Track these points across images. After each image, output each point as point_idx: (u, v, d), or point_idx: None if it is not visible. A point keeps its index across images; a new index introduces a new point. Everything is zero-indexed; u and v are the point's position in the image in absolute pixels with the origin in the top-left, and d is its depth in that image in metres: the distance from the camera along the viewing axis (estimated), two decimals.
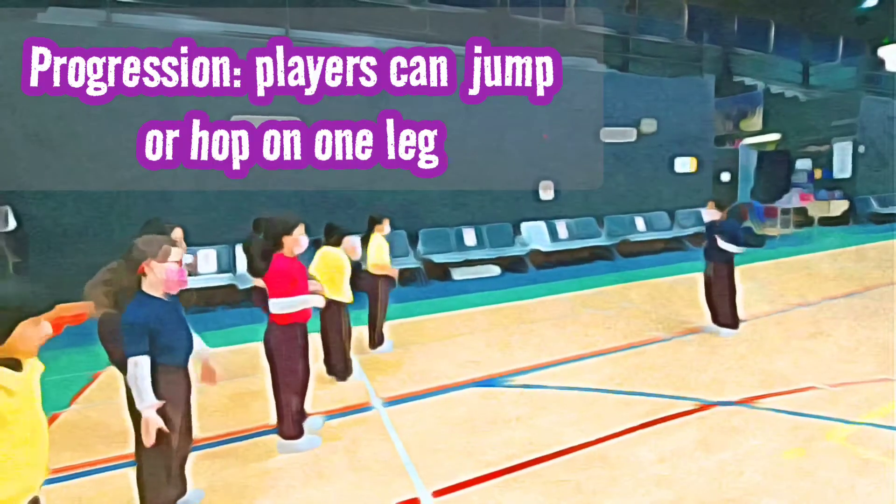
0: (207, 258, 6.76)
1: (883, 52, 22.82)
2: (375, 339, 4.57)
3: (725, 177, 11.95)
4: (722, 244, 4.50)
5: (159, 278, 2.08)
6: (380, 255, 4.46)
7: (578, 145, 9.57)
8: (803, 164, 15.05)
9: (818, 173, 14.65)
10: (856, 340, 4.41)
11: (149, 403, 1.99)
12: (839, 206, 13.27)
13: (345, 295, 3.80)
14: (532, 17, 14.51)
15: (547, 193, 9.34)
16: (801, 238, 10.90)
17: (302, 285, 2.84)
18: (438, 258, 7.85)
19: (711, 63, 17.49)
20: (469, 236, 8.41)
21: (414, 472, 2.63)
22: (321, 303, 2.94)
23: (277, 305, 2.75)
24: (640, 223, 10.09)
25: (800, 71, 19.06)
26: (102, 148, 6.41)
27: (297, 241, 2.80)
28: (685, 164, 10.86)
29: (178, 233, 2.99)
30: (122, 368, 2.11)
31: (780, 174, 15.05)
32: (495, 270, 8.18)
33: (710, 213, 4.64)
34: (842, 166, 13.96)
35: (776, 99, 15.75)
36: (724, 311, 4.62)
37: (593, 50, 14.30)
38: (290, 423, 2.83)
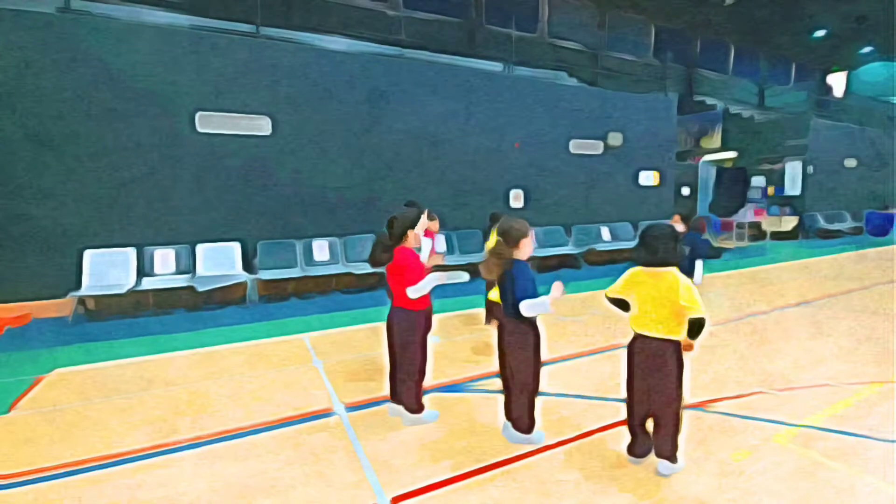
0: (165, 258, 6.50)
1: (831, 78, 24.50)
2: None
3: (686, 191, 12.46)
4: (697, 270, 4.66)
5: (528, 249, 2.84)
6: None
7: (549, 155, 9.78)
8: (758, 180, 15.89)
9: (771, 190, 15.49)
10: (804, 349, 4.66)
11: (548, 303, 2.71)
12: (790, 222, 14.06)
13: None
14: (506, 29, 14.82)
15: (517, 201, 9.47)
16: (755, 251, 11.47)
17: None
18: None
19: (675, 82, 18.30)
20: (439, 243, 8.42)
21: (376, 479, 2.59)
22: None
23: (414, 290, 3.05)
24: (605, 233, 10.37)
25: (756, 92, 20.15)
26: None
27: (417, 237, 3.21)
28: (649, 178, 11.26)
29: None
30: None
31: (737, 190, 15.83)
32: (465, 277, 8.17)
33: (675, 226, 4.81)
34: (792, 184, 14.80)
35: (734, 118, 16.58)
36: None
37: (564, 64, 14.75)
38: (416, 399, 3.18)
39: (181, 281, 6.30)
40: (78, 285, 6.09)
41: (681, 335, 2.51)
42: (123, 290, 5.86)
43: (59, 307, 6.06)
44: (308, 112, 7.51)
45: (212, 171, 6.90)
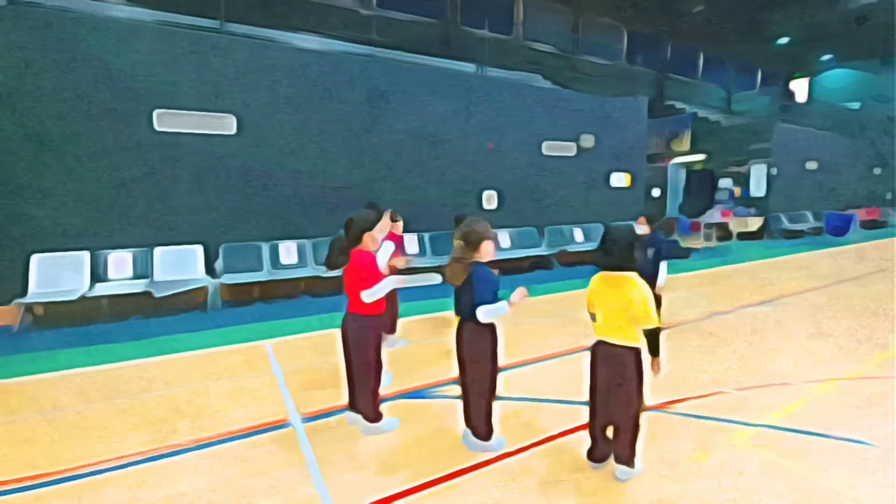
0: (120, 263, 6.20)
1: (794, 85, 25.42)
2: None
3: (656, 192, 12.69)
4: (661, 272, 4.68)
5: (489, 252, 2.77)
6: None
7: (522, 157, 9.79)
8: (725, 182, 16.32)
9: (738, 192, 15.93)
10: (757, 349, 4.74)
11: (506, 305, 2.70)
12: (755, 223, 14.47)
13: None
14: (481, 31, 14.84)
15: (490, 203, 9.45)
16: (722, 251, 11.74)
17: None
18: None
19: (647, 86, 18.69)
20: (411, 244, 8.31)
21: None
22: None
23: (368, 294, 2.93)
24: (578, 234, 10.45)
25: (723, 97, 20.75)
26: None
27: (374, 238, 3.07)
28: (620, 179, 11.41)
29: None
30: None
31: (705, 192, 16.22)
32: (436, 279, 8.08)
33: (640, 228, 4.83)
34: (758, 186, 15.25)
35: (703, 122, 17.00)
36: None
37: (538, 66, 14.85)
38: (373, 407, 3.05)
39: (137, 286, 6.02)
40: (24, 291, 5.76)
41: (640, 342, 2.48)
42: (74, 297, 5.56)
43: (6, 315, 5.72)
44: (286, 113, 7.32)
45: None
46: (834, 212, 15.72)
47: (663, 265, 4.68)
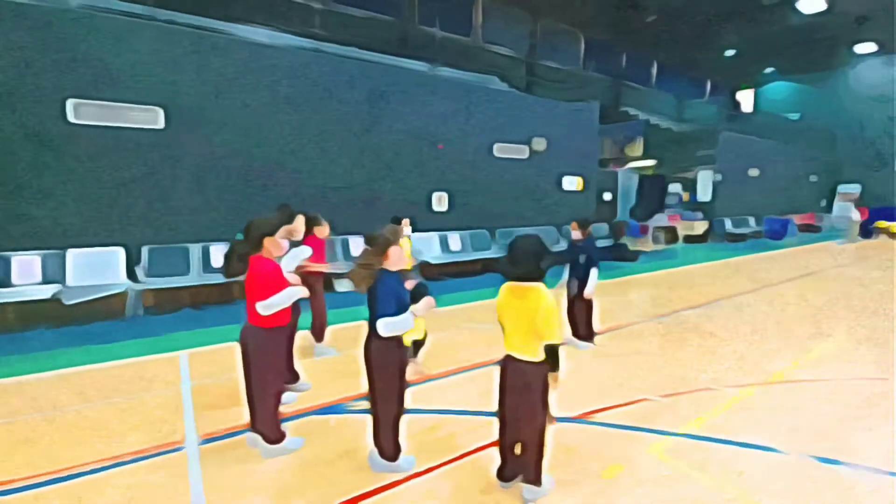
0: (26, 267, 5.66)
1: (740, 95, 26.67)
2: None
3: (608, 196, 12.93)
4: (593, 276, 4.64)
5: (397, 259, 2.56)
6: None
7: (473, 158, 9.71)
8: (675, 187, 16.88)
9: (686, 196, 16.51)
10: (696, 353, 4.80)
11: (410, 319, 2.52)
12: (701, 226, 15.02)
13: None
14: (439, 31, 14.71)
15: (440, 204, 9.31)
16: (669, 254, 12.09)
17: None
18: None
19: (603, 92, 19.08)
20: (355, 245, 8.06)
21: None
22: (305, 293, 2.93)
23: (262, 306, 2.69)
24: None
25: (675, 105, 21.49)
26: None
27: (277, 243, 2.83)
28: (572, 183, 11.54)
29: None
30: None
31: (657, 196, 16.71)
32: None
33: (573, 233, 4.79)
34: (704, 191, 15.84)
35: (654, 129, 17.52)
36: (582, 325, 4.80)
37: (496, 68, 14.86)
38: (273, 427, 2.82)
39: (44, 292, 5.50)
40: None
41: (540, 355, 2.36)
42: None
43: None
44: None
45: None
46: (773, 217, 16.53)
47: (594, 271, 4.66)
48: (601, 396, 3.69)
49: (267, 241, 2.76)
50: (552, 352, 2.30)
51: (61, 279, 5.82)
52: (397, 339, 2.60)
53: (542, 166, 10.83)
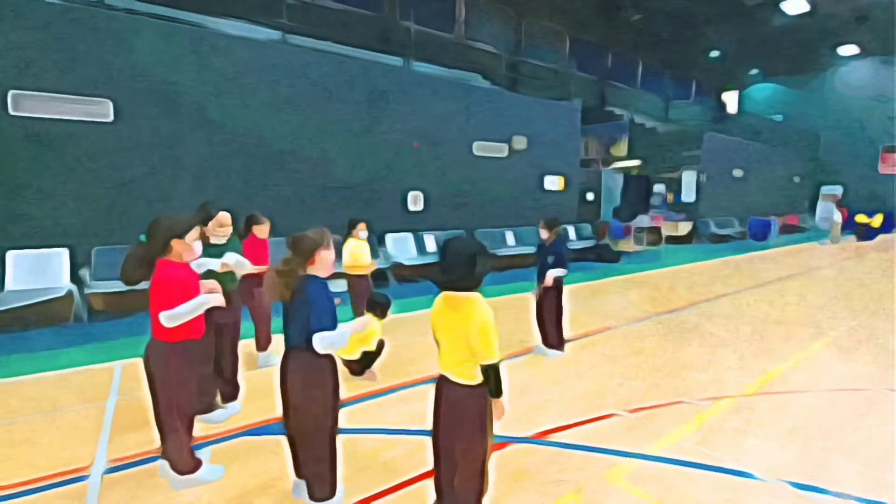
0: None
1: (725, 96, 26.75)
2: None
3: (590, 196, 12.74)
4: (554, 272, 4.37)
5: (327, 263, 2.27)
6: (353, 257, 4.79)
7: (451, 157, 9.42)
8: (660, 188, 16.77)
9: (671, 197, 16.40)
10: (670, 360, 4.55)
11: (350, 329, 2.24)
12: (685, 227, 14.91)
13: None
14: (422, 27, 14.39)
15: (416, 204, 9.01)
16: (652, 255, 11.92)
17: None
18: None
19: (588, 91, 18.94)
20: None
21: None
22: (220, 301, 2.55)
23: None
24: (510, 237, 10.21)
25: (660, 106, 21.43)
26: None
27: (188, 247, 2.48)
28: (554, 183, 11.31)
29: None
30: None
31: (641, 196, 16.58)
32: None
33: (541, 233, 4.52)
34: (688, 192, 15.74)
35: (639, 129, 17.39)
36: (551, 332, 4.52)
37: (478, 65, 14.59)
38: (183, 455, 2.49)
39: None
40: None
41: (477, 379, 2.05)
42: None
43: None
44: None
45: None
46: (757, 218, 16.49)
47: (554, 272, 4.38)
48: (562, 412, 3.41)
49: (175, 244, 2.42)
50: (490, 373, 2.00)
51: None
52: (328, 355, 2.28)
53: (523, 166, 10.58)
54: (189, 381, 2.46)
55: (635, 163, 17.58)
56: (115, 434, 3.05)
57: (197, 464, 2.52)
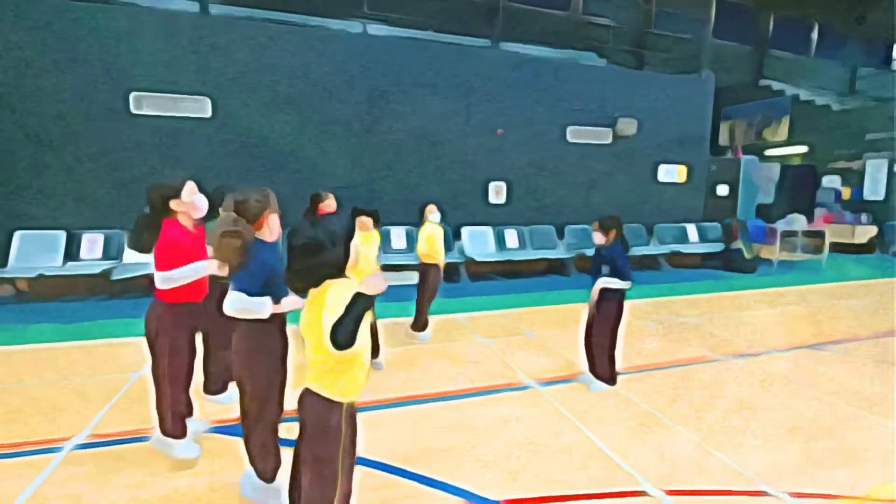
0: None
1: None
2: (419, 324, 4.66)
3: (723, 190, 10.53)
4: (604, 281, 3.49)
5: (274, 227, 2.17)
6: (429, 243, 4.45)
7: (540, 144, 8.53)
8: (831, 180, 13.29)
9: (847, 193, 12.88)
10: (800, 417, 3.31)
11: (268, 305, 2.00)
12: (865, 233, 11.55)
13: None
14: (534, 7, 13.45)
15: (499, 196, 8.37)
16: (809, 267, 9.42)
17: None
18: None
19: (737, 63, 15.85)
20: (398, 238, 7.58)
21: None
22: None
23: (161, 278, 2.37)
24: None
25: (841, 77, 16.98)
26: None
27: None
28: (671, 173, 9.59)
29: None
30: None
31: (803, 191, 13.35)
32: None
33: (595, 236, 3.63)
34: (874, 186, 12.16)
35: (805, 107, 13.99)
36: (601, 360, 3.63)
37: (595, 43, 13.10)
38: (171, 420, 2.51)
39: None
40: None
41: (346, 393, 1.56)
42: None
43: None
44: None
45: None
46: None
47: (605, 281, 3.46)
48: (565, 471, 2.61)
49: (175, 205, 2.40)
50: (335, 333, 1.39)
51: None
52: (279, 323, 2.09)
53: (631, 153, 9.14)
54: (182, 343, 2.44)
55: (799, 149, 14.24)
56: (122, 402, 3.19)
57: (180, 432, 2.50)
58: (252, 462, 2.19)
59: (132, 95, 6.44)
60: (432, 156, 7.82)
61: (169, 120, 6.58)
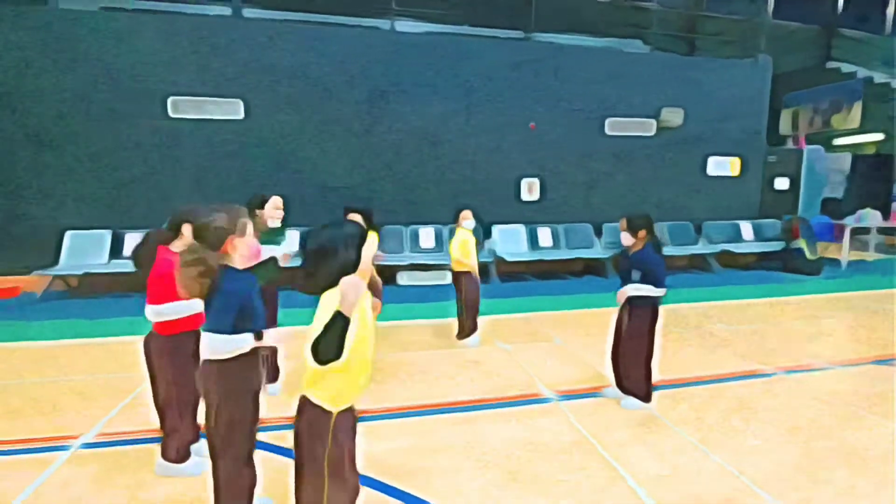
0: None
1: None
2: (465, 330, 4.55)
3: (783, 183, 9.63)
4: (632, 288, 3.17)
5: (243, 252, 1.91)
6: (462, 250, 4.40)
7: (578, 139, 8.12)
8: None
9: None
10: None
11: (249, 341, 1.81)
12: None
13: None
14: None
15: (532, 193, 8.04)
16: (881, 267, 8.45)
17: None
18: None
19: (802, 46, 14.55)
20: (427, 237, 7.44)
21: None
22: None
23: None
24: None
25: None
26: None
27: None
28: (723, 166, 8.87)
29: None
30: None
31: (878, 184, 12.06)
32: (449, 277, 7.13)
33: (623, 237, 3.31)
34: None
35: (880, 90, 12.60)
36: (634, 374, 3.30)
37: (641, 29, 12.38)
38: (176, 447, 2.46)
39: None
40: None
41: (337, 401, 1.50)
42: None
43: None
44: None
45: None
46: None
47: (628, 290, 3.13)
48: None
49: (185, 228, 2.26)
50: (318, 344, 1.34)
51: None
52: (252, 360, 1.87)
53: (677, 145, 8.53)
54: (186, 374, 2.29)
55: (873, 137, 12.87)
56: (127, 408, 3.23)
57: (182, 457, 2.46)
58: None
59: (170, 100, 6.65)
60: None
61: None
